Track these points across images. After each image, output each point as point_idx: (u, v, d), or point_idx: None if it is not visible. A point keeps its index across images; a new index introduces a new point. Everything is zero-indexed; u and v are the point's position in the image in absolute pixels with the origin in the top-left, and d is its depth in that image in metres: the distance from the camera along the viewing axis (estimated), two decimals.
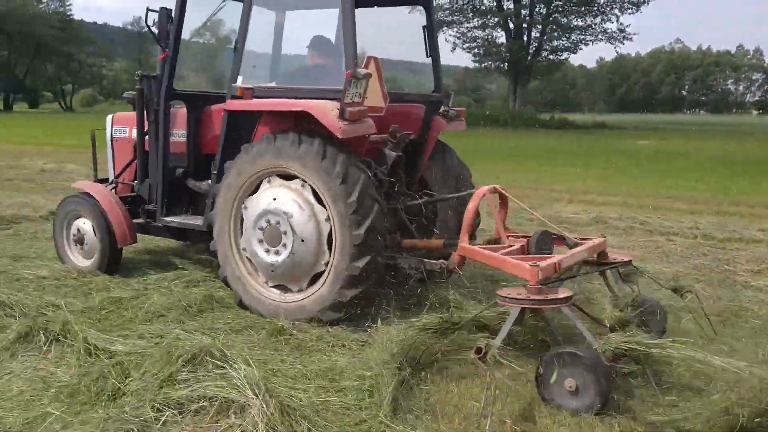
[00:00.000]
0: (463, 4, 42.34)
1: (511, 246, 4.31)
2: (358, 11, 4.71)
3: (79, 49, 67.28)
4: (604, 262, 4.43)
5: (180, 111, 5.66)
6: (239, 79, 4.93)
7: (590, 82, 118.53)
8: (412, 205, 5.27)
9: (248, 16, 4.91)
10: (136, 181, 5.88)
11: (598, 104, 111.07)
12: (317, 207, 4.51)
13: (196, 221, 5.36)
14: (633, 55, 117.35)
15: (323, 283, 4.52)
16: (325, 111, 4.39)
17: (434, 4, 5.77)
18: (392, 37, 5.93)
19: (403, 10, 6.06)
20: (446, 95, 5.55)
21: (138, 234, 5.76)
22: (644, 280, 4.71)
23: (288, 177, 4.64)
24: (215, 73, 5.69)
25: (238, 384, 3.07)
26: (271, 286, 4.79)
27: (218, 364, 3.26)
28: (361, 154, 4.70)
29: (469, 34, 44.56)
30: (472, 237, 4.58)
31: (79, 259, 5.77)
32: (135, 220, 5.69)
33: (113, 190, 5.97)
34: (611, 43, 45.16)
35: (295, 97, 4.66)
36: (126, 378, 3.34)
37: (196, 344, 3.40)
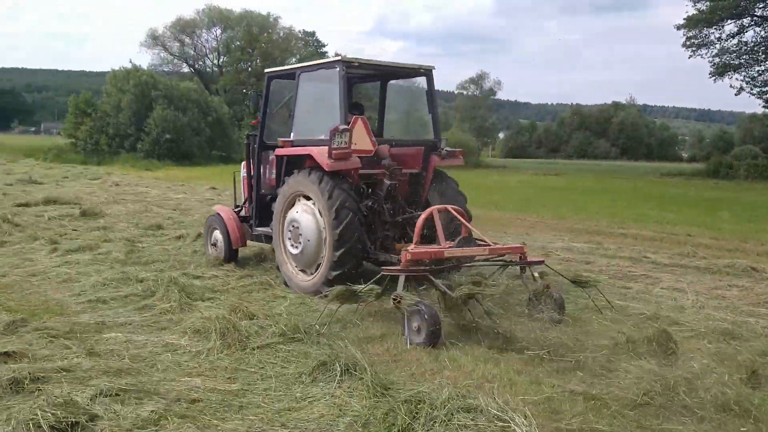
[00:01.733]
0: (754, 46, 38.17)
1: (439, 246, 6.10)
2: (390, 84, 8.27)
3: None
4: (523, 261, 6.17)
5: (271, 156, 8.03)
6: (292, 134, 7.42)
7: None
8: (408, 217, 7.26)
9: (297, 96, 7.42)
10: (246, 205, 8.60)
11: None
12: (319, 218, 6.78)
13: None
14: None
15: (321, 268, 6.72)
16: (320, 153, 6.69)
17: (433, 75, 7.77)
18: (414, 100, 8.41)
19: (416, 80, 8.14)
20: (440, 140, 7.71)
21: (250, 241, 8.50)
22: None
23: (308, 198, 6.95)
24: (286, 130, 7.70)
25: None
26: (299, 271, 7.09)
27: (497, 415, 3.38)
28: (355, 182, 7.01)
29: (759, 78, 39.93)
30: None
31: (214, 254, 8.57)
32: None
33: (238, 212, 8.61)
34: None
35: (309, 145, 7.00)
36: (414, 417, 3.59)
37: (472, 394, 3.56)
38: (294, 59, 65.11)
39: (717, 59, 37.25)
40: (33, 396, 3.94)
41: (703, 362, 4.78)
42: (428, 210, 6.41)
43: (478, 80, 76.24)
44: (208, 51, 64.27)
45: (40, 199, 14.80)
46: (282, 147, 7.40)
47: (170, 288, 6.52)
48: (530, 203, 18.42)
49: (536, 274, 6.29)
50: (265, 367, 4.72)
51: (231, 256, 8.36)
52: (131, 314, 6.04)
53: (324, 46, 73.10)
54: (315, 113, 7.51)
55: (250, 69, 60.01)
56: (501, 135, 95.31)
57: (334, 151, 6.55)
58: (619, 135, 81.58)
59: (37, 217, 12.33)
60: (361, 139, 6.93)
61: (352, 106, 7.70)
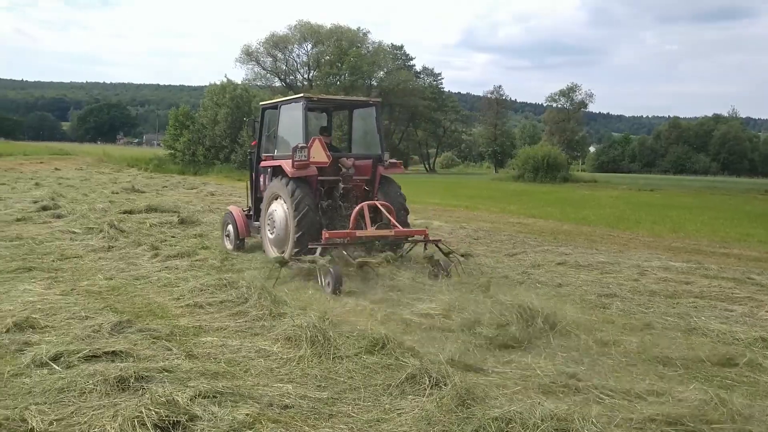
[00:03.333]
0: None
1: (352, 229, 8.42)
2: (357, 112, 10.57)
3: (445, 117, 74.64)
4: (425, 240, 8.55)
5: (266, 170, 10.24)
6: (276, 151, 9.99)
7: None
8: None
9: (278, 121, 9.90)
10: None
11: None
12: (287, 211, 8.83)
13: None
14: None
15: (287, 247, 8.77)
16: (287, 164, 8.91)
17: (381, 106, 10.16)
18: (370, 124, 10.37)
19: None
20: (385, 154, 9.65)
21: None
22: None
23: (281, 197, 9.10)
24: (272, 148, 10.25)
25: None
26: (275, 250, 9.21)
27: None
28: (314, 186, 9.03)
29: None
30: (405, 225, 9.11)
31: (227, 244, 10.62)
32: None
33: (247, 211, 10.74)
34: None
35: (282, 159, 9.28)
36: None
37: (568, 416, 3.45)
38: (382, 72, 66.06)
39: None
40: (138, 394, 4.16)
41: None
42: (360, 204, 8.72)
43: (568, 92, 74.54)
44: (299, 65, 66.16)
45: (143, 207, 15.63)
46: (265, 160, 10.02)
47: (262, 295, 6.72)
48: (623, 219, 17.80)
49: (443, 250, 8.60)
50: (353, 376, 4.78)
51: (239, 244, 10.50)
52: (226, 319, 6.27)
53: (412, 59, 73.87)
54: (288, 135, 9.66)
55: (338, 82, 61.25)
56: (592, 148, 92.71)
57: (295, 163, 8.72)
58: (719, 149, 77.63)
59: (140, 224, 13.03)
60: (318, 154, 8.94)
61: (323, 129, 10.21)
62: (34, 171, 31.81)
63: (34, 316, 5.95)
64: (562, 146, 63.31)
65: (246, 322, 6.18)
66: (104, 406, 4.01)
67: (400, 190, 9.71)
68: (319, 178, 9.12)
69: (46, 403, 4.07)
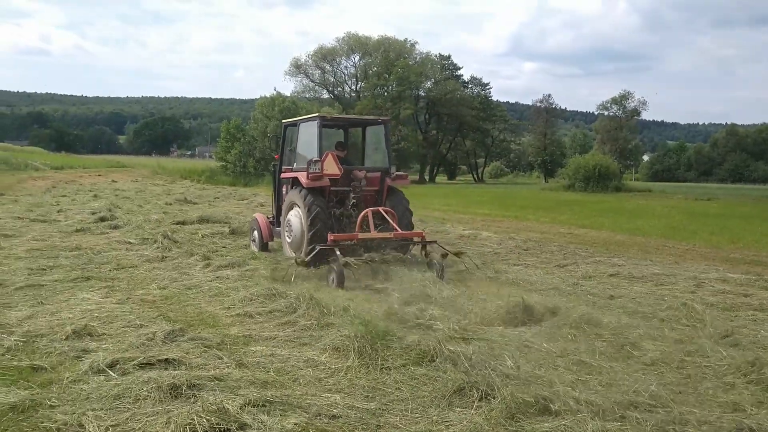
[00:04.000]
0: None
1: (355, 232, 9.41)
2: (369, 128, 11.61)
3: (494, 126, 74.14)
4: (422, 241, 9.58)
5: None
6: (294, 164, 10.94)
7: None
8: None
9: (297, 137, 10.95)
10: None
11: None
12: (303, 218, 9.76)
13: None
14: None
15: (305, 248, 9.48)
16: (302, 176, 9.86)
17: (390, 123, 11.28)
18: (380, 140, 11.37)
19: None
20: (392, 167, 10.61)
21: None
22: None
23: (297, 205, 10.03)
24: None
25: None
26: (292, 252, 10.14)
27: None
28: (327, 195, 10.06)
29: None
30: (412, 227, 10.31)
31: (253, 247, 11.63)
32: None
33: (269, 218, 11.78)
34: None
35: (299, 171, 10.25)
36: None
37: None
38: (429, 83, 66.13)
39: None
40: (189, 402, 4.24)
41: None
42: (365, 211, 9.68)
43: (620, 100, 73.11)
44: (346, 77, 66.82)
45: (195, 217, 15.99)
46: (285, 173, 11.09)
47: (311, 305, 6.78)
48: (679, 230, 17.30)
49: (443, 250, 9.56)
50: (401, 387, 4.76)
51: (263, 247, 11.54)
52: (275, 329, 6.34)
53: (459, 69, 73.67)
54: (306, 150, 10.59)
55: (386, 93, 61.56)
56: (645, 157, 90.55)
57: (310, 175, 9.68)
58: None
59: (192, 234, 13.34)
60: (330, 167, 9.87)
61: (339, 144, 11.21)
62: (92, 183, 32.97)
63: (92, 324, 6.15)
64: (614, 155, 61.99)
65: (294, 331, 6.24)
66: (157, 412, 4.10)
67: (405, 198, 10.68)
68: (332, 188, 10.15)
69: (102, 409, 4.19)
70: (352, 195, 10.46)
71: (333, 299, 7.19)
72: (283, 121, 12.03)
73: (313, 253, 8.96)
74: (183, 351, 5.37)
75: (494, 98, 78.97)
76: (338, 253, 8.75)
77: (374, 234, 9.37)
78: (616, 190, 39.16)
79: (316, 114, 10.44)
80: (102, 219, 15.12)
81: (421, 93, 65.54)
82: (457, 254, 9.66)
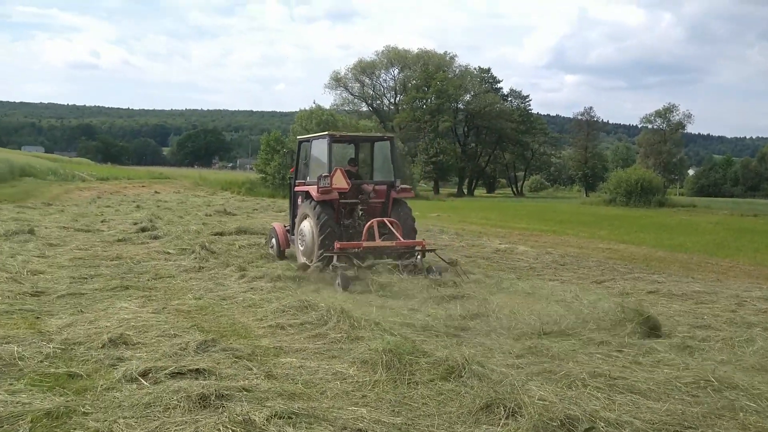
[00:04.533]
0: None
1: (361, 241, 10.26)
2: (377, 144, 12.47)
3: (533, 139, 73.42)
4: (422, 249, 10.41)
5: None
6: (308, 178, 11.53)
7: None
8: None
9: (309, 153, 11.74)
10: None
11: None
12: (314, 228, 10.51)
13: None
14: None
15: (315, 255, 10.32)
16: (313, 189, 10.70)
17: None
18: (386, 155, 12.01)
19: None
20: (397, 180, 11.36)
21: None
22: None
23: (309, 216, 10.77)
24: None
25: None
26: (304, 258, 10.79)
27: None
28: (336, 207, 10.81)
29: None
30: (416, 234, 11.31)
31: (271, 254, 12.22)
32: None
33: (286, 227, 12.41)
34: None
35: (310, 185, 11.03)
36: None
37: None
38: (468, 96, 66.03)
39: None
40: (217, 412, 4.29)
41: None
42: (370, 221, 10.41)
43: (665, 113, 71.69)
44: (385, 90, 67.16)
45: (233, 229, 16.24)
46: (299, 186, 11.83)
47: (341, 318, 6.80)
48: (723, 247, 16.85)
49: (445, 258, 10.63)
50: (428, 403, 4.73)
51: (281, 254, 12.12)
52: (306, 341, 6.38)
53: (499, 82, 73.43)
54: (317, 165, 11.36)
55: (424, 106, 61.65)
56: (690, 171, 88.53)
57: (320, 188, 10.52)
58: None
59: (230, 245, 13.54)
60: (339, 181, 10.74)
61: (351, 161, 12.30)
62: (136, 194, 33.77)
63: (127, 332, 6.28)
64: (657, 169, 60.83)
65: (324, 344, 6.27)
66: (186, 422, 4.16)
67: (409, 209, 11.52)
68: (341, 201, 10.96)
69: (133, 417, 4.27)
70: (359, 207, 11.26)
71: (364, 312, 7.21)
72: (298, 137, 12.92)
73: (319, 258, 10.06)
74: (214, 361, 5.45)
75: (534, 111, 78.39)
76: (335, 260, 9.66)
77: (378, 242, 10.11)
78: (659, 205, 38.33)
79: (326, 132, 11.30)
80: (143, 229, 15.48)
81: (460, 106, 65.46)
82: (451, 263, 10.39)
